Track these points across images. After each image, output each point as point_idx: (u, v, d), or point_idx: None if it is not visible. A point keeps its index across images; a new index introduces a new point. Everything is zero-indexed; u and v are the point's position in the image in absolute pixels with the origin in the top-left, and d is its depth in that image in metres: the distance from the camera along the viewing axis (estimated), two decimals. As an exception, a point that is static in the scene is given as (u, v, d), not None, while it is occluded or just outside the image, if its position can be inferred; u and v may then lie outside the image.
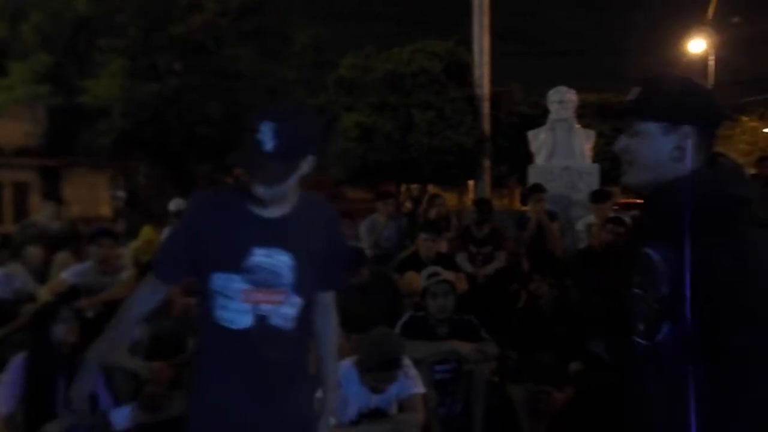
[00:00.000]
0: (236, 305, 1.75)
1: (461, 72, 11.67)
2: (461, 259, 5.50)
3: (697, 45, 24.11)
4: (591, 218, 6.11)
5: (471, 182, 14.13)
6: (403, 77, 10.83)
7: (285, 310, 1.78)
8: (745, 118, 20.44)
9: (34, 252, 5.19)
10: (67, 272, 4.71)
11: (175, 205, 6.53)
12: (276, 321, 1.77)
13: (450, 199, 15.59)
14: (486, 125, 11.66)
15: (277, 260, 1.74)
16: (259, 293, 1.74)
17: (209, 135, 10.45)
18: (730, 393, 1.20)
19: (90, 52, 10.24)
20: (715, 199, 1.25)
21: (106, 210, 12.70)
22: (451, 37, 12.09)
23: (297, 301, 1.79)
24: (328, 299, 1.98)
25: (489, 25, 11.93)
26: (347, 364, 3.07)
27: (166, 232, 6.46)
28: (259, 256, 1.73)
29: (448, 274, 3.88)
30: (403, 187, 13.22)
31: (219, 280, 1.75)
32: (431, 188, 12.83)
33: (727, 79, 24.85)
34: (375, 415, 3.05)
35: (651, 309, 1.30)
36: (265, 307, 1.75)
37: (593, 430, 3.19)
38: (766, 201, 1.32)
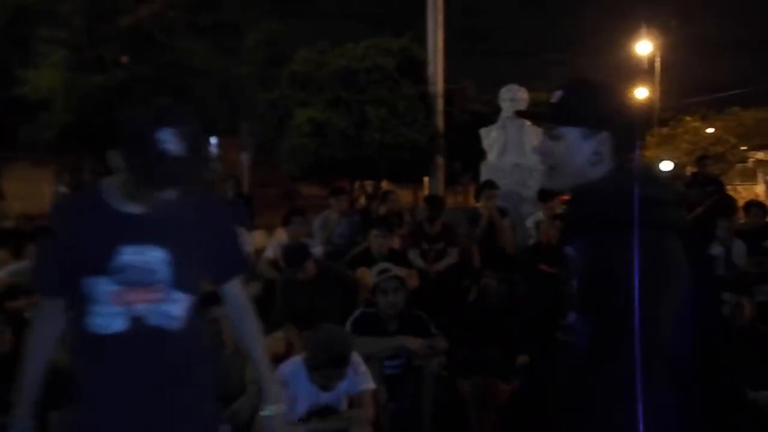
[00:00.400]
0: (107, 309, 1.64)
1: (415, 69, 11.71)
2: (413, 255, 5.52)
3: (644, 47, 24.88)
4: (539, 215, 6.23)
5: (426, 179, 14.22)
6: (356, 73, 10.79)
7: (167, 308, 1.69)
8: (688, 119, 21.20)
9: None
10: (3, 271, 4.54)
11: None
12: (156, 321, 1.68)
13: (405, 195, 15.63)
14: (439, 122, 11.74)
15: (150, 256, 1.65)
16: (131, 293, 1.65)
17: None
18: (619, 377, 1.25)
19: (31, 42, 9.82)
20: (624, 201, 1.30)
21: (48, 206, 12.28)
22: (405, 33, 12.11)
23: (181, 297, 1.71)
24: (233, 289, 1.91)
25: (443, 22, 12.01)
26: (296, 361, 3.04)
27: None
28: (129, 254, 1.64)
29: (398, 271, 3.90)
30: (357, 184, 13.20)
31: (87, 285, 1.64)
32: (385, 185, 12.84)
33: (672, 81, 25.67)
34: (325, 412, 3.03)
35: (566, 301, 1.37)
36: (141, 307, 1.66)
37: (540, 421, 3.25)
38: (682, 200, 1.39)
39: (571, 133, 1.39)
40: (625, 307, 1.21)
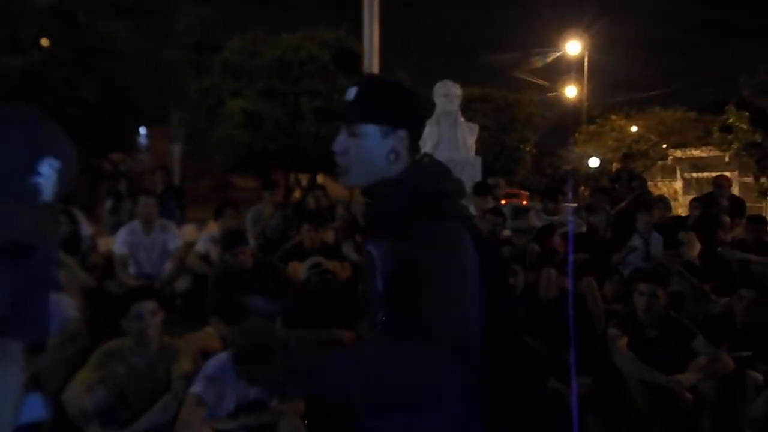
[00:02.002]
0: None
1: (351, 61, 11.68)
2: (347, 248, 5.50)
3: (573, 46, 25.72)
4: (471, 209, 6.33)
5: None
6: (291, 64, 10.66)
7: None
8: (613, 117, 22.09)
9: None
10: None
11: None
12: None
13: (341, 189, 15.61)
14: (375, 115, 11.76)
15: None
16: None
17: (80, 117, 9.67)
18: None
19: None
20: (418, 196, 1.34)
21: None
22: (340, 25, 12.05)
23: None
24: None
25: (379, 15, 12.00)
26: (223, 356, 2.97)
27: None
28: None
29: (330, 264, 3.87)
30: (292, 176, 13.06)
31: None
32: (321, 178, 12.76)
33: (598, 80, 26.72)
34: (254, 407, 2.98)
35: (373, 302, 1.37)
36: None
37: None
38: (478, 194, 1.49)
39: (371, 131, 1.38)
40: (424, 298, 1.23)
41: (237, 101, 10.38)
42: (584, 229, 6.27)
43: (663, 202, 6.70)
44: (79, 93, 10.08)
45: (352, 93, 1.41)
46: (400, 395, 1.25)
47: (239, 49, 11.04)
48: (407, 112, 1.41)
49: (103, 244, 6.12)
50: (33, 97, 9.45)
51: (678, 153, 21.36)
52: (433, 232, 1.29)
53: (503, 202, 9.02)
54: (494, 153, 14.22)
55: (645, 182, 8.44)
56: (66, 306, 3.56)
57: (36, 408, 3.06)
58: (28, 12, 9.56)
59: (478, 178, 7.39)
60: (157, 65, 10.82)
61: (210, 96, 11.13)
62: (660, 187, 20.17)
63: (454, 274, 1.27)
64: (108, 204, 7.83)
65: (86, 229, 5.87)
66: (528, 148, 16.46)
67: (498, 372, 1.34)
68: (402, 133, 1.39)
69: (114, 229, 6.77)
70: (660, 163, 21.79)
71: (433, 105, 7.87)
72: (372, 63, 11.83)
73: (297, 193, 12.40)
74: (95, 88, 10.58)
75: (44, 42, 9.58)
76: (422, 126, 1.50)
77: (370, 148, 1.38)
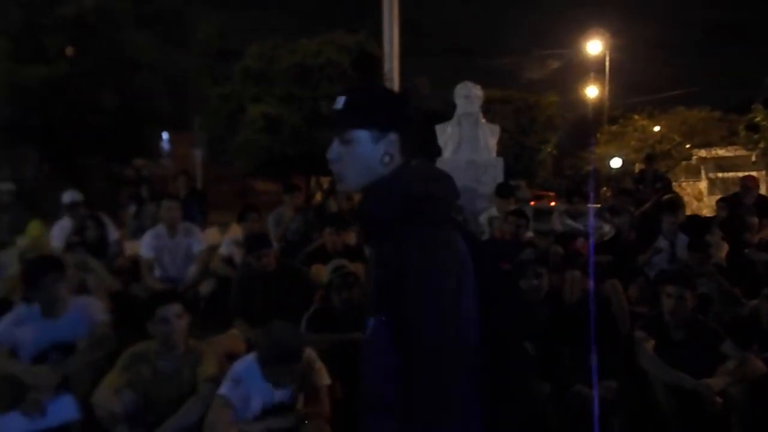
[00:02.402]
0: None
1: (370, 65, 11.70)
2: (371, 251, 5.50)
3: (595, 46, 25.50)
4: (493, 211, 6.31)
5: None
6: (310, 69, 10.71)
7: None
8: (635, 117, 21.82)
9: None
10: None
11: (69, 196, 6.16)
12: None
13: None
14: (395, 119, 11.76)
15: None
16: None
17: (102, 125, 9.79)
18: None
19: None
20: (406, 199, 1.34)
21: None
22: (359, 30, 12.09)
23: None
24: None
25: (399, 18, 12.01)
26: (249, 359, 2.99)
27: (57, 227, 6.07)
28: None
29: (353, 267, 3.88)
30: (313, 180, 13.12)
31: None
32: (341, 181, 12.80)
33: (621, 80, 26.44)
34: (279, 409, 3.00)
35: (367, 306, 1.39)
36: None
37: (487, 414, 3.28)
38: (457, 196, 1.47)
39: (362, 137, 1.40)
40: (413, 302, 1.23)
41: (257, 106, 10.47)
42: (610, 232, 6.20)
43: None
44: (101, 101, 10.23)
45: (341, 101, 1.43)
46: None
47: (259, 55, 11.14)
48: (396, 115, 1.42)
49: (127, 248, 6.21)
50: (57, 106, 9.63)
51: (702, 153, 21.02)
52: (425, 236, 1.28)
53: (532, 203, 8.93)
54: (515, 155, 14.13)
55: (669, 183, 8.34)
56: (95, 309, 3.62)
57: (68, 409, 3.12)
58: (54, 24, 9.75)
59: (500, 179, 7.35)
60: (178, 73, 10.96)
61: (230, 102, 11.24)
62: (684, 187, 19.86)
63: (445, 281, 1.25)
64: (131, 209, 7.95)
65: (113, 233, 5.97)
66: (549, 150, 16.34)
67: (498, 374, 1.34)
68: (393, 137, 1.39)
69: (136, 234, 6.86)
70: (684, 163, 21.46)
71: (453, 106, 7.85)
72: (391, 67, 11.85)
73: (318, 196, 12.46)
74: (117, 96, 10.73)
75: (68, 51, 9.74)
76: (413, 128, 1.48)
77: (362, 154, 1.40)
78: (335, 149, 1.43)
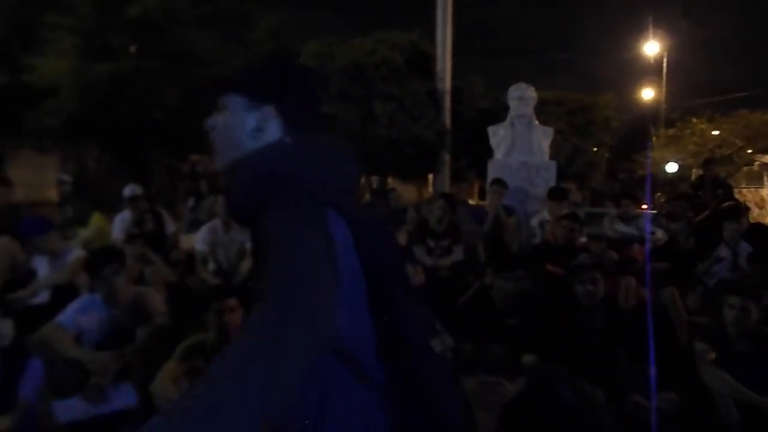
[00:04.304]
0: None
1: (424, 65, 11.67)
2: (418, 251, 5.51)
3: (651, 47, 24.81)
4: (545, 214, 6.21)
5: (431, 176, 14.18)
6: (364, 68, 10.76)
7: None
8: (694, 120, 21.10)
9: None
10: None
11: (130, 190, 6.39)
12: None
13: (409, 191, 15.61)
14: (447, 119, 11.71)
15: None
16: None
17: (164, 120, 10.08)
18: None
19: (36, 29, 9.76)
20: (265, 179, 1.19)
21: (53, 194, 12.29)
22: (414, 29, 12.08)
23: None
24: None
25: (453, 18, 11.96)
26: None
27: (118, 218, 6.30)
28: None
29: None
30: (363, 179, 13.19)
31: None
32: (391, 181, 12.83)
33: (679, 82, 25.59)
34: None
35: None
36: None
37: (544, 421, 3.24)
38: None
39: (235, 103, 1.28)
40: (274, 294, 1.04)
41: (311, 105, 10.61)
42: (663, 238, 6.03)
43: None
44: (161, 98, 10.54)
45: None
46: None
47: (315, 54, 11.24)
48: (275, 86, 1.28)
49: (183, 241, 6.39)
50: (121, 102, 10.00)
51: (766, 158, 20.16)
52: (289, 219, 1.12)
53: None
54: (568, 157, 13.83)
55: (731, 189, 8.03)
56: (153, 300, 3.73)
57: (126, 396, 3.23)
58: (120, 23, 10.12)
59: (553, 182, 7.24)
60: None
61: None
62: (745, 194, 19.10)
63: (303, 269, 1.05)
64: (189, 203, 8.17)
65: (171, 227, 6.15)
66: (605, 153, 15.94)
67: (398, 378, 1.20)
68: (268, 110, 1.26)
69: (192, 227, 7.05)
70: (745, 168, 20.63)
71: (506, 107, 7.76)
72: (445, 66, 11.80)
73: (367, 196, 12.51)
74: (177, 93, 11.03)
75: (132, 49, 10.09)
76: (304, 107, 1.31)
77: (233, 124, 1.27)
78: (213, 116, 1.32)
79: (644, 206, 8.38)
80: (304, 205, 1.14)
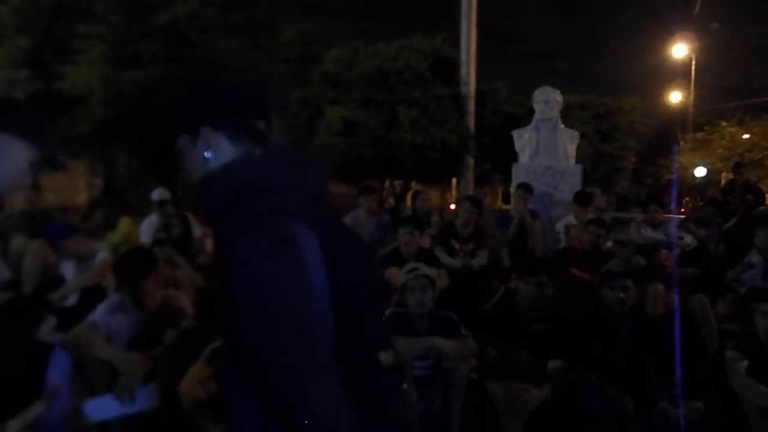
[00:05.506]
0: None
1: (447, 70, 11.67)
2: (439, 252, 5.46)
3: (679, 50, 24.43)
4: (570, 219, 6.16)
5: (454, 180, 14.15)
6: (388, 73, 10.80)
7: None
8: (724, 124, 20.70)
9: (20, 240, 5.10)
10: None
11: (158, 194, 6.47)
12: None
13: (432, 196, 15.58)
14: (471, 123, 11.68)
15: None
16: None
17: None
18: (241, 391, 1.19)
19: (68, 38, 9.99)
20: (229, 188, 1.24)
21: (82, 198, 12.53)
22: (437, 34, 12.09)
23: None
24: None
25: (477, 23, 11.95)
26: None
27: (146, 222, 6.40)
28: None
29: (428, 270, 3.86)
30: (386, 183, 13.20)
31: None
32: (414, 185, 12.82)
33: (708, 85, 25.15)
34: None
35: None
36: None
37: (571, 428, 3.21)
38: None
39: (182, 142, 1.36)
40: (232, 309, 1.11)
41: (335, 110, 10.65)
42: (692, 244, 5.93)
43: None
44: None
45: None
46: None
47: (339, 59, 11.31)
48: (200, 109, 1.34)
49: (209, 245, 6.46)
50: (150, 108, 10.17)
51: (798, 163, 19.70)
52: (254, 228, 1.14)
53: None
54: (593, 162, 13.69)
55: (762, 194, 7.87)
56: (182, 303, 3.78)
57: (152, 397, 3.28)
58: (149, 30, 10.30)
59: (578, 187, 7.18)
60: (262, 77, 11.35)
61: (309, 105, 11.48)
62: (776, 199, 18.69)
63: (271, 279, 1.09)
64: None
65: (197, 231, 6.23)
66: (631, 157, 15.73)
67: (354, 382, 1.21)
68: (207, 134, 1.32)
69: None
70: (777, 173, 20.19)
71: (531, 111, 7.72)
72: (469, 71, 11.79)
73: (391, 200, 12.52)
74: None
75: (161, 56, 10.26)
76: (239, 119, 1.35)
77: (190, 153, 1.36)
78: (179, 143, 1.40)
79: (676, 212, 8.26)
80: (267, 219, 1.16)
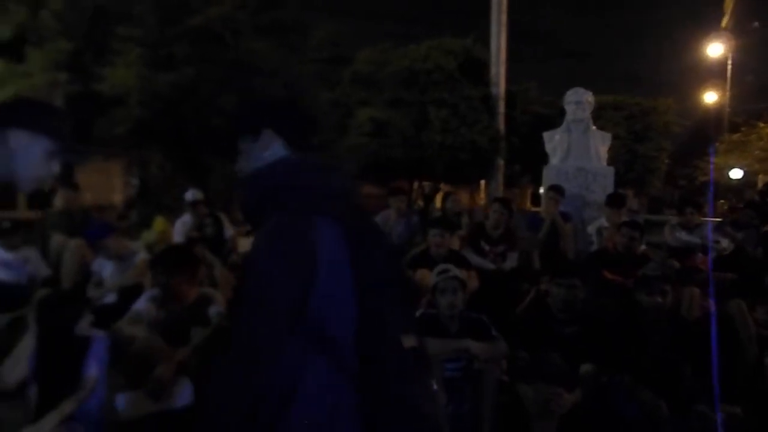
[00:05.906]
0: None
1: (477, 70, 11.62)
2: (468, 253, 5.43)
3: (715, 49, 23.89)
4: (602, 221, 6.08)
5: (483, 181, 14.07)
6: (418, 74, 10.80)
7: None
8: (761, 124, 20.19)
9: (59, 239, 5.25)
10: None
11: (191, 195, 6.58)
12: None
13: (462, 197, 15.52)
14: (501, 124, 11.61)
15: None
16: None
17: (223, 127, 10.34)
18: None
19: (107, 40, 10.21)
20: (266, 188, 1.42)
21: (118, 198, 12.79)
22: (467, 35, 12.04)
23: None
24: None
25: (506, 23, 11.87)
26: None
27: (179, 222, 6.51)
28: None
29: (459, 272, 3.85)
30: (416, 184, 13.19)
31: None
32: (444, 186, 12.79)
33: (744, 84, 24.52)
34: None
35: None
36: None
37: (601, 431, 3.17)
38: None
39: (245, 144, 1.54)
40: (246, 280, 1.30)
41: (365, 111, 10.69)
42: (729, 247, 5.80)
43: None
44: (221, 105, 10.86)
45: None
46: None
47: (369, 60, 11.35)
48: (269, 114, 1.54)
49: (241, 245, 6.54)
50: (184, 109, 10.33)
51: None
52: (277, 223, 1.33)
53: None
54: (626, 163, 13.49)
55: (802, 197, 7.66)
56: (216, 302, 3.84)
57: (185, 393, 3.33)
58: (183, 32, 10.45)
59: (611, 189, 7.08)
60: (293, 79, 11.45)
61: (339, 106, 11.53)
62: (817, 202, 18.13)
63: (276, 267, 1.28)
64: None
65: (229, 231, 6.32)
66: (665, 159, 15.45)
67: (372, 370, 1.35)
68: (266, 132, 1.51)
69: (250, 232, 7.21)
70: (817, 175, 19.63)
71: (563, 112, 7.64)
72: (499, 71, 11.72)
73: (420, 201, 12.52)
74: (235, 100, 11.31)
75: (195, 58, 10.40)
76: (296, 130, 1.55)
77: (249, 152, 1.54)
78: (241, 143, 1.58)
79: (712, 215, 8.09)
80: (293, 215, 1.34)
